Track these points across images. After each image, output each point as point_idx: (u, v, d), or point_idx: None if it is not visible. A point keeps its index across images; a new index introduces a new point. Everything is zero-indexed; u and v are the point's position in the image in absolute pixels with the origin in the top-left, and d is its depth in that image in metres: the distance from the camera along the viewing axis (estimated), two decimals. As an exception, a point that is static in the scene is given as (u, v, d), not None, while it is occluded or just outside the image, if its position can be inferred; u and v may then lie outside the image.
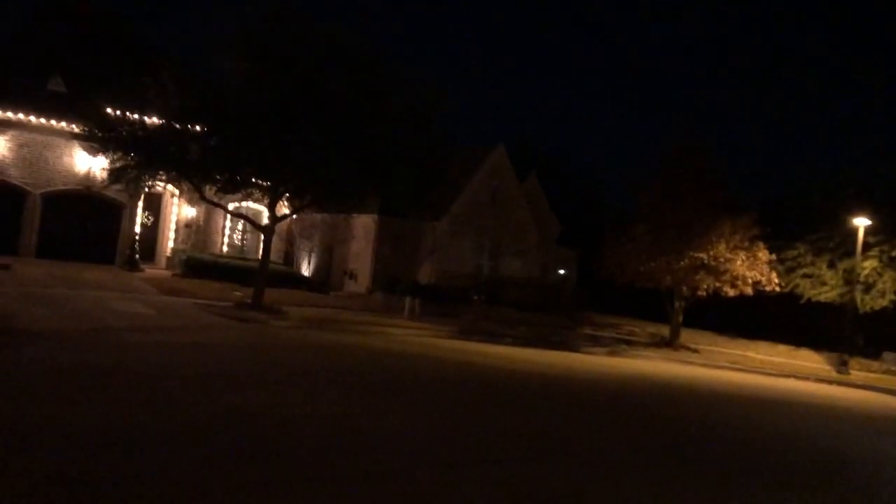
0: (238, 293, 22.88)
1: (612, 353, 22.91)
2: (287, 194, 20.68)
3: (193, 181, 19.64)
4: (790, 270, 26.98)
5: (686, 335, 27.29)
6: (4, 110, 22.83)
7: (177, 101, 18.40)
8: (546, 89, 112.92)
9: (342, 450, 6.74)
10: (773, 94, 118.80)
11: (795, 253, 26.96)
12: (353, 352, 15.17)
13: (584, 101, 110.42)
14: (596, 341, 24.78)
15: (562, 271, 39.41)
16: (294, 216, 30.73)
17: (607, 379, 15.88)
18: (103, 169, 18.89)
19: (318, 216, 33.23)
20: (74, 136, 19.98)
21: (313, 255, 34.25)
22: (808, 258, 27.09)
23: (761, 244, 23.85)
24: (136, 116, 19.46)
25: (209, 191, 20.70)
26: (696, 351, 24.71)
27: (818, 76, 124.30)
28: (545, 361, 17.81)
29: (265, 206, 28.51)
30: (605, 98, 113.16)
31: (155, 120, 19.42)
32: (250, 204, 28.93)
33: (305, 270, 34.13)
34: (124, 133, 18.76)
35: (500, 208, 33.31)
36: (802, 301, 27.42)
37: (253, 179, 20.02)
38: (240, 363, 11.89)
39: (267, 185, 20.27)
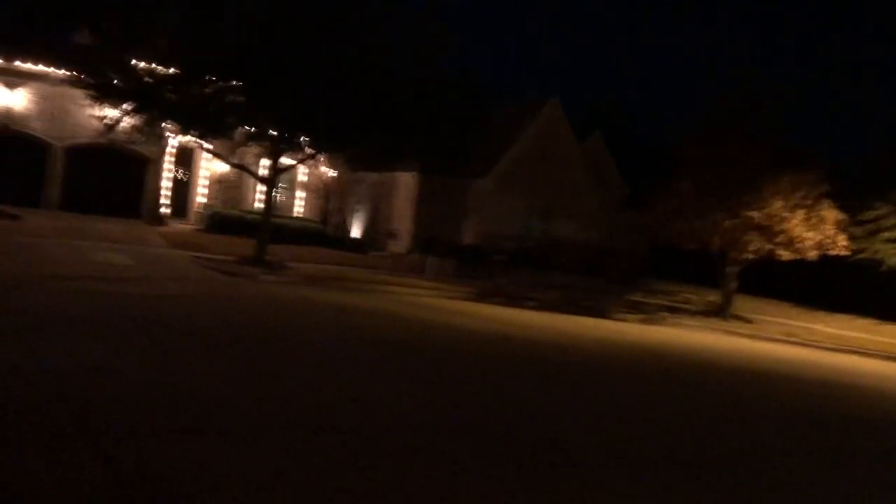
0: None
1: (646, 321, 21.05)
2: (282, 144, 19.79)
3: (195, 129, 19.12)
4: (871, 234, 23.90)
5: (748, 304, 24.93)
6: (26, 62, 23.14)
7: (184, 45, 17.92)
8: (618, 47, 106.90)
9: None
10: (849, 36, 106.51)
11: (876, 214, 23.77)
12: (315, 308, 14.28)
13: (657, 58, 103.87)
14: (636, 308, 22.89)
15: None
16: (334, 173, 30.40)
17: (607, 348, 14.28)
18: (104, 118, 18.58)
19: (363, 175, 32.65)
20: (70, 82, 19.84)
21: (360, 215, 33.66)
22: (893, 220, 23.88)
23: (829, 203, 21.14)
24: (142, 64, 19.05)
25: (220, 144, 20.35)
26: (749, 321, 22.41)
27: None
28: (556, 327, 16.36)
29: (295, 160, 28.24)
30: (679, 54, 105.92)
31: (161, 68, 18.99)
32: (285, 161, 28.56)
33: (355, 230, 33.65)
34: (124, 82, 18.40)
35: (554, 167, 31.44)
36: (883, 269, 24.28)
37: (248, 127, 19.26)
38: (148, 314, 11.17)
39: (263, 133, 19.48)
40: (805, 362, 16.45)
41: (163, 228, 24.37)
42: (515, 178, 30.36)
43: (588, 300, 23.06)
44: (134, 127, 19.46)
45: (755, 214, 20.53)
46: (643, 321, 21.02)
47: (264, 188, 29.21)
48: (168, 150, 26.07)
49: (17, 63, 23.11)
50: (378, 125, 19.16)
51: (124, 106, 18.18)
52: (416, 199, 30.43)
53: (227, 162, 22.40)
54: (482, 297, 20.97)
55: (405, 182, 30.97)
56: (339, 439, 5.56)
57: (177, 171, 27.21)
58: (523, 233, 31.28)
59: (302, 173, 29.62)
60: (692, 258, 26.12)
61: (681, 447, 6.90)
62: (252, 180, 28.85)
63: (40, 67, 23.31)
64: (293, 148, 20.17)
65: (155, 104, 18.30)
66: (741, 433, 7.97)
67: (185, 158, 27.27)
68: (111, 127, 18.69)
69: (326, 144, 20.16)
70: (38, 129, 23.68)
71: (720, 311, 22.76)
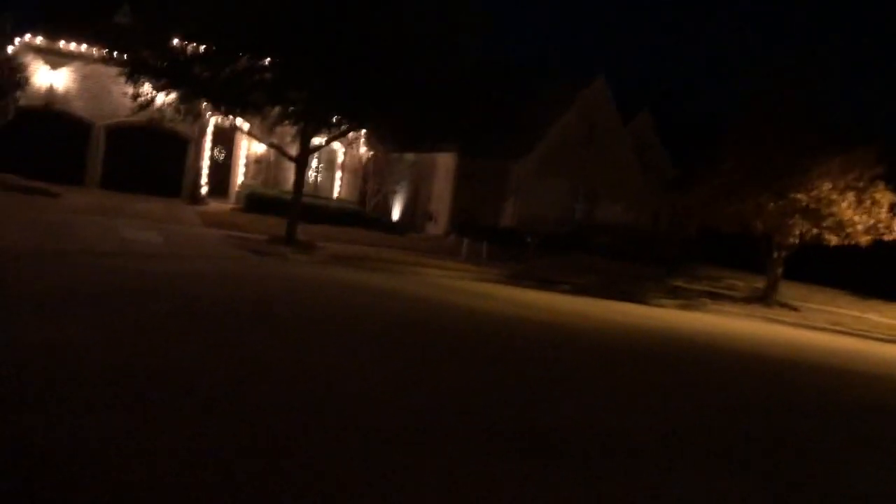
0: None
1: (684, 307, 20.47)
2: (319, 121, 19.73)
3: (225, 106, 19.22)
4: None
5: (795, 291, 24.04)
6: (69, 42, 23.61)
7: (215, 19, 17.98)
8: (666, 24, 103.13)
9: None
10: None
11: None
12: (332, 288, 14.18)
13: (707, 35, 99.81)
14: (675, 294, 22.26)
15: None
16: (371, 153, 30.32)
17: (627, 333, 13.85)
18: (137, 96, 18.79)
19: (403, 156, 32.52)
20: (106, 60, 20.13)
21: (400, 196, 33.58)
22: (955, 203, 22.55)
23: (882, 185, 20.08)
24: (175, 42, 19.20)
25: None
26: (795, 309, 21.55)
27: None
28: (581, 311, 15.97)
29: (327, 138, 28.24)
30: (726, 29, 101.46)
31: (193, 45, 19.11)
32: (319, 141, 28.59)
33: (395, 211, 33.61)
34: (156, 58, 18.60)
35: (598, 148, 30.75)
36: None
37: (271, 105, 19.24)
38: (153, 290, 11.21)
39: (294, 110, 19.42)
40: (848, 352, 15.72)
41: (201, 208, 24.68)
42: (557, 159, 29.81)
43: (626, 285, 22.54)
44: (170, 105, 19.75)
45: (802, 197, 19.65)
46: (681, 307, 20.44)
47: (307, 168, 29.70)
48: (209, 130, 26.34)
49: (60, 43, 23.59)
50: (407, 101, 18.92)
51: (156, 83, 18.34)
52: (454, 181, 30.19)
53: (261, 141, 22.48)
54: (513, 280, 20.68)
55: (444, 163, 30.73)
56: (289, 416, 5.40)
57: (216, 151, 27.50)
58: (565, 216, 30.77)
59: (341, 154, 29.65)
60: (743, 243, 25.28)
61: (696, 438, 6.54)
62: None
63: (83, 47, 23.74)
64: (324, 126, 20.06)
65: (185, 81, 18.43)
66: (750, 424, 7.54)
67: (227, 139, 27.52)
68: (144, 105, 18.90)
69: (355, 121, 19.96)
70: (80, 108, 24.18)
71: (764, 298, 21.96)
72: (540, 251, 25.43)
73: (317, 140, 23.18)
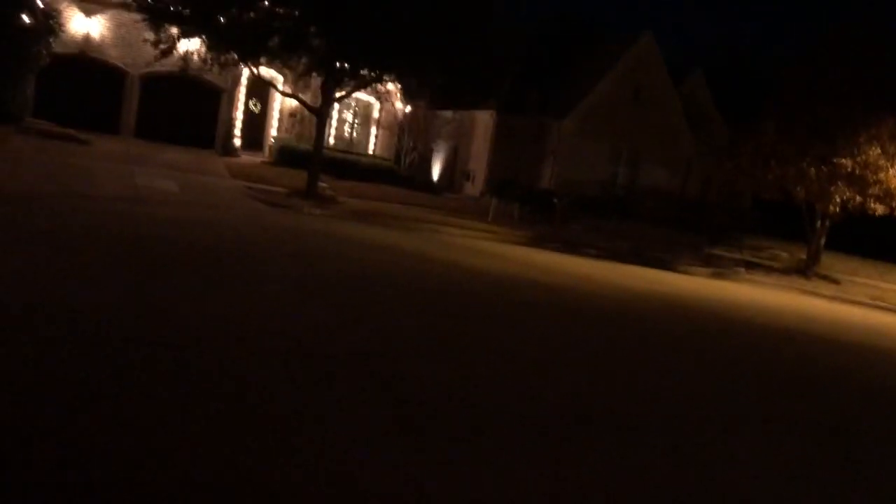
0: (323, 184, 22.50)
1: (715, 276, 19.62)
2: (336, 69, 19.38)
3: (242, 52, 19.04)
4: None
5: (840, 263, 22.87)
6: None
7: None
8: None
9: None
10: None
11: None
12: (332, 241, 14.02)
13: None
14: (710, 262, 21.37)
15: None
16: (407, 109, 29.85)
17: (627, 296, 13.26)
18: (156, 42, 18.77)
19: (442, 113, 32.00)
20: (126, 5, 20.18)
21: (439, 155, 33.16)
22: None
23: (937, 151, 18.64)
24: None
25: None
26: (836, 282, 20.40)
27: None
28: (598, 275, 15.41)
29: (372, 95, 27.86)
30: None
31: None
32: (362, 96, 28.31)
33: (434, 170, 33.25)
34: (176, 4, 18.53)
35: (645, 109, 29.59)
36: None
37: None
38: (134, 233, 11.17)
39: (314, 59, 19.12)
40: (879, 327, 14.77)
41: (231, 159, 24.79)
42: (601, 119, 28.84)
43: (658, 251, 21.74)
44: (193, 53, 19.72)
45: (846, 162, 18.41)
46: (711, 276, 19.59)
47: (342, 123, 29.54)
48: (242, 81, 26.34)
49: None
50: (429, 50, 18.41)
51: (175, 30, 18.30)
52: (492, 140, 29.58)
53: (283, 93, 22.35)
54: (536, 243, 20.13)
55: (482, 121, 30.13)
56: (211, 355, 5.18)
57: (252, 104, 27.53)
58: (607, 179, 29.86)
59: (377, 110, 29.32)
60: (795, 213, 24.06)
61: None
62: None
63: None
64: (345, 76, 19.70)
65: (205, 27, 18.32)
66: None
67: (263, 91, 27.47)
68: (166, 52, 18.89)
69: (376, 69, 19.54)
70: (114, 56, 24.41)
71: (804, 270, 20.85)
72: (572, 214, 24.71)
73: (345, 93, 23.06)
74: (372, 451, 4.10)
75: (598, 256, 19.56)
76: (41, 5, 22.71)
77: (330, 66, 19.24)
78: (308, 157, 25.30)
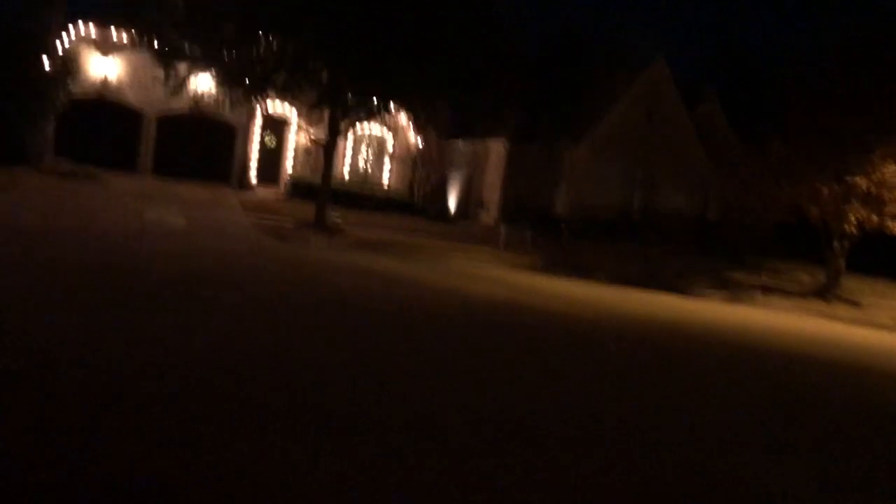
0: (336, 217, 22.71)
1: (729, 300, 19.29)
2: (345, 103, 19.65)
3: (247, 85, 19.40)
4: None
5: (864, 286, 22.27)
6: (120, 33, 24.44)
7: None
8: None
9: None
10: None
11: None
12: (326, 270, 14.05)
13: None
14: (725, 286, 21.02)
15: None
16: (420, 141, 30.05)
17: (624, 321, 13.06)
18: (167, 79, 19.24)
19: (456, 143, 32.18)
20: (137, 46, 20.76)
21: (454, 185, 33.28)
22: None
23: (961, 169, 18.14)
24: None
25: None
26: (857, 305, 19.87)
27: None
28: (594, 298, 15.26)
29: (387, 129, 28.17)
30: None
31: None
32: (375, 129, 28.63)
33: (450, 200, 33.34)
34: (185, 44, 19.00)
35: (659, 132, 29.45)
36: None
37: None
38: (110, 264, 11.33)
39: (321, 93, 19.42)
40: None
41: (245, 194, 25.15)
42: (613, 144, 28.76)
43: (672, 275, 21.44)
44: (205, 92, 20.23)
45: (861, 181, 18.03)
46: (725, 300, 19.26)
47: (357, 156, 29.84)
48: (257, 118, 26.80)
49: (112, 34, 24.47)
50: (426, 78, 18.58)
51: (183, 67, 18.74)
52: (504, 168, 29.61)
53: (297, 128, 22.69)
54: (543, 268, 20.03)
55: (495, 149, 30.22)
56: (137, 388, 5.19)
57: (267, 139, 27.98)
58: (622, 204, 29.65)
59: (390, 142, 29.60)
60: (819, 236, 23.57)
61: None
62: (341, 148, 29.22)
63: (133, 38, 24.53)
64: (350, 109, 19.96)
65: (213, 63, 18.74)
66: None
67: (278, 127, 27.91)
68: (177, 89, 19.34)
69: (380, 100, 19.77)
70: (131, 97, 25.04)
71: (823, 293, 20.37)
72: (581, 238, 24.56)
73: (362, 126, 23.39)
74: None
75: (609, 281, 19.35)
76: (60, 50, 23.44)
77: (335, 98, 19.51)
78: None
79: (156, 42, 19.05)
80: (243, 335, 7.32)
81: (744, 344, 12.17)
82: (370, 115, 20.69)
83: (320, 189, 20.93)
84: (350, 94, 19.40)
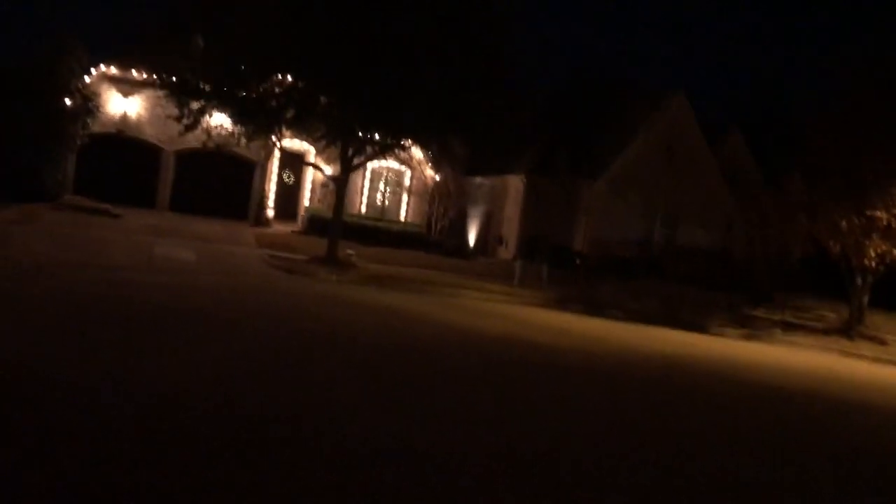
0: (350, 251, 22.67)
1: (747, 337, 18.80)
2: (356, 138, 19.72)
3: (255, 123, 19.56)
4: None
5: (889, 322, 21.55)
6: (140, 71, 24.93)
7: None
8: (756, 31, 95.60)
9: None
10: None
11: None
12: (329, 304, 13.95)
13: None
14: (744, 323, 20.48)
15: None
16: (439, 176, 30.06)
17: (626, 356, 12.70)
18: (179, 118, 19.49)
19: (476, 179, 32.14)
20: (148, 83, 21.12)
21: (475, 220, 33.17)
22: None
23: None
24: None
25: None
26: (882, 342, 19.22)
27: None
28: (603, 335, 14.91)
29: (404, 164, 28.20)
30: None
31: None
32: (393, 164, 28.72)
33: (471, 235, 33.20)
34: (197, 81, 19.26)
35: (679, 168, 29.03)
36: None
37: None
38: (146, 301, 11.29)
39: (334, 128, 19.50)
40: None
41: (261, 230, 25.22)
42: (633, 179, 28.42)
43: (690, 312, 20.96)
44: (220, 128, 20.46)
45: (882, 214, 17.53)
46: (743, 337, 18.76)
47: (374, 191, 29.90)
48: (275, 154, 27.02)
49: (132, 72, 24.97)
50: (441, 115, 18.57)
51: (195, 104, 18.97)
52: (523, 203, 29.43)
53: (306, 163, 22.86)
54: (557, 304, 19.70)
55: (514, 185, 30.11)
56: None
57: (285, 175, 28.19)
58: (643, 240, 29.24)
59: (408, 177, 29.66)
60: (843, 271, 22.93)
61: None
62: (358, 184, 29.36)
63: (153, 76, 25.01)
64: (362, 143, 20.02)
65: (223, 101, 18.95)
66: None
67: (296, 163, 28.11)
68: (190, 127, 19.56)
69: (389, 135, 19.80)
70: (150, 134, 25.41)
71: (847, 330, 19.74)
72: (599, 274, 24.23)
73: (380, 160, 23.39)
74: None
75: (624, 318, 18.98)
76: (81, 89, 23.95)
77: (346, 133, 19.59)
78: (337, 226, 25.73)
79: (169, 78, 19.31)
80: (180, 369, 7.17)
81: (745, 380, 11.74)
82: (382, 150, 20.71)
83: (331, 223, 20.89)
84: (360, 132, 19.44)
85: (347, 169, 20.48)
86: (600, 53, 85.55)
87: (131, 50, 24.21)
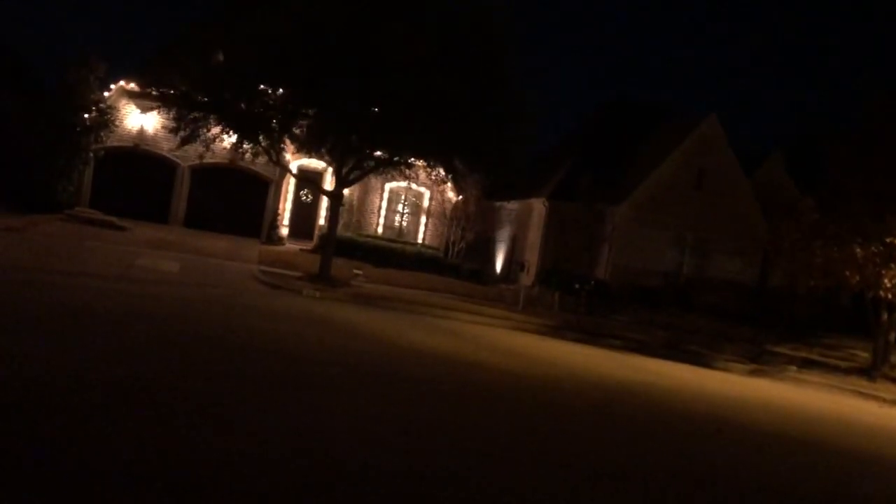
0: (358, 271, 22.52)
1: (754, 373, 17.75)
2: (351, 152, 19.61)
3: (251, 133, 19.62)
4: None
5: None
6: (158, 87, 25.40)
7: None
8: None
9: None
10: None
11: None
12: (296, 321, 13.61)
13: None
14: (757, 359, 19.35)
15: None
16: (458, 198, 29.66)
17: (620, 392, 11.96)
18: (175, 130, 19.75)
19: (501, 203, 31.64)
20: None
21: (501, 245, 32.63)
22: None
23: None
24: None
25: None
26: (904, 384, 17.82)
27: None
28: (593, 367, 14.24)
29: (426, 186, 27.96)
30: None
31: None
32: (413, 185, 28.49)
33: (498, 261, 32.66)
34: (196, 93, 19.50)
35: (711, 195, 27.94)
36: None
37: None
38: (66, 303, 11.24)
39: (330, 145, 19.45)
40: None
41: (270, 247, 25.23)
42: (660, 205, 27.44)
43: (701, 345, 19.91)
44: (217, 138, 20.57)
45: (898, 242, 16.31)
46: (749, 373, 17.74)
47: (391, 213, 29.71)
48: (292, 171, 27.16)
49: (151, 88, 25.48)
50: (436, 131, 18.25)
51: (192, 116, 19.18)
52: (543, 228, 28.73)
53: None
54: (555, 331, 19.01)
55: (537, 210, 29.48)
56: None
57: (302, 194, 28.28)
58: (670, 269, 28.09)
59: (427, 198, 29.38)
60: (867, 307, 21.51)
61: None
62: (375, 204, 29.23)
63: (171, 91, 25.50)
64: (358, 158, 19.89)
65: (220, 115, 19.09)
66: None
67: (313, 181, 28.18)
68: (187, 140, 19.78)
69: (385, 150, 19.63)
70: (166, 149, 25.82)
71: (870, 370, 18.38)
72: (618, 303, 23.38)
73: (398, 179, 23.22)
74: None
75: (622, 348, 18.18)
76: (99, 103, 24.57)
77: (342, 149, 19.49)
78: (350, 246, 25.57)
79: (167, 90, 19.63)
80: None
81: (685, 412, 10.87)
82: (379, 166, 20.50)
83: (327, 240, 20.80)
84: (355, 146, 19.34)
85: (342, 183, 20.35)
86: (644, 80, 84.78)
87: (151, 65, 24.73)
